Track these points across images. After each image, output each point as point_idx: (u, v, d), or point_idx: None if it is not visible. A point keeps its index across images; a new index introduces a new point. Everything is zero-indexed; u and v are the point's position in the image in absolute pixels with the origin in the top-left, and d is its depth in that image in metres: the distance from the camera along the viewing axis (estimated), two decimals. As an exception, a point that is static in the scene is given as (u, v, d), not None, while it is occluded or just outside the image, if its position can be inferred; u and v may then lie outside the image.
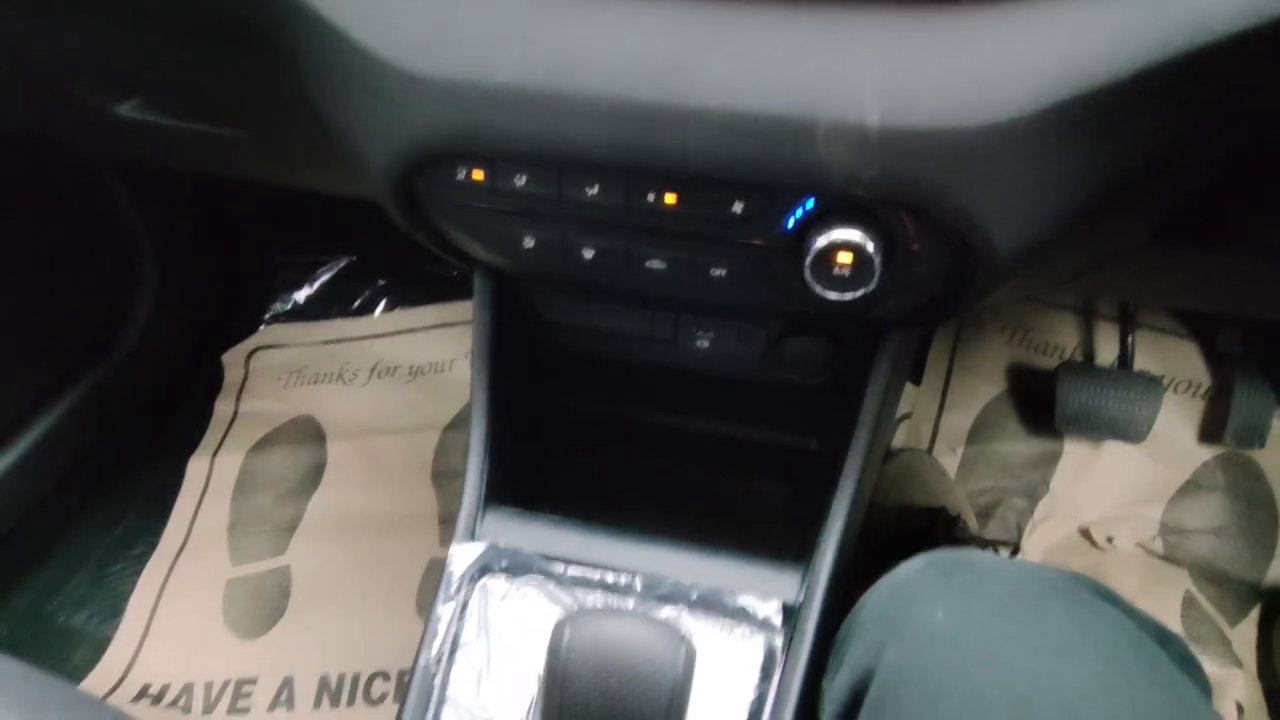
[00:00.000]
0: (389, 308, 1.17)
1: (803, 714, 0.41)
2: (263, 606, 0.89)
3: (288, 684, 0.83)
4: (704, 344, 0.52)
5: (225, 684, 0.84)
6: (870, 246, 0.37)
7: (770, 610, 0.44)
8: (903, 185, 0.35)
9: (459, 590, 0.45)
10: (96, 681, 0.85)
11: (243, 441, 1.05)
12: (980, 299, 0.42)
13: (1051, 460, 0.97)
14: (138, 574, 0.93)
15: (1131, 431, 0.91)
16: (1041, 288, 0.53)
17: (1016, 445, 0.99)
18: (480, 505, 0.50)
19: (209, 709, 0.82)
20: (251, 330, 1.16)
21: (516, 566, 0.46)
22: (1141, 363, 0.97)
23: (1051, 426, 0.96)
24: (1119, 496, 0.95)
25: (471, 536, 0.48)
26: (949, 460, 0.98)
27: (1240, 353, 0.96)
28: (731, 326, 0.51)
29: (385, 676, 0.83)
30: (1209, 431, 0.96)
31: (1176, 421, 0.97)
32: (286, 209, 1.19)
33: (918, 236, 0.38)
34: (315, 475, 1.01)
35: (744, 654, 0.42)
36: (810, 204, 0.38)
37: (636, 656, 0.25)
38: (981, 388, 1.02)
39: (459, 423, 1.05)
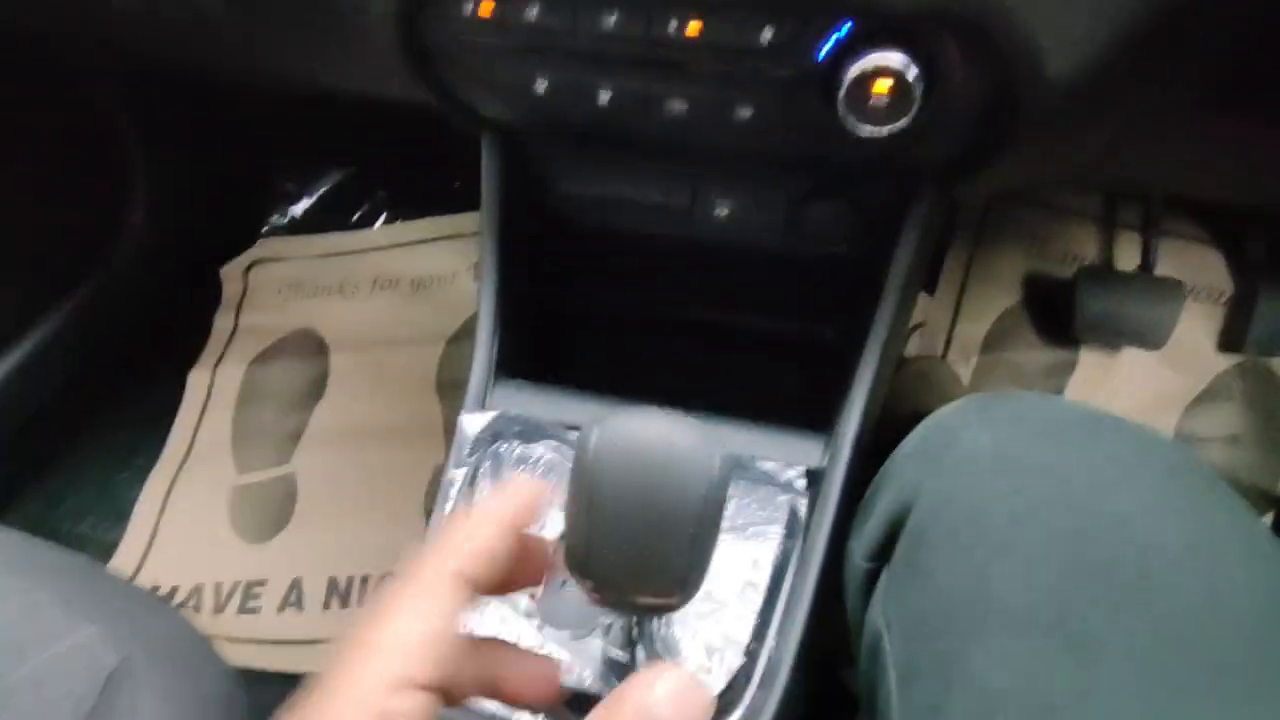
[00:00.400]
0: (389, 220, 1.14)
1: (826, 575, 0.40)
2: (269, 513, 0.89)
3: (296, 585, 0.83)
4: (722, 212, 0.50)
5: (235, 585, 0.84)
6: (911, 73, 0.35)
7: (794, 474, 0.42)
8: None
9: (471, 454, 0.44)
10: (105, 585, 0.85)
11: (244, 354, 1.03)
12: (1024, 140, 0.39)
13: (1067, 369, 0.96)
14: (142, 483, 0.93)
15: (1152, 337, 0.89)
16: (1079, 161, 0.50)
17: (1032, 354, 0.97)
18: (490, 375, 0.48)
19: (219, 609, 0.82)
20: (249, 243, 1.13)
21: (529, 432, 0.45)
22: (1163, 270, 0.95)
23: (1068, 336, 0.94)
24: (1134, 405, 0.93)
25: (482, 406, 0.47)
26: (963, 369, 0.96)
27: (1265, 259, 0.93)
28: (751, 192, 0.49)
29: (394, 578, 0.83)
30: (1229, 339, 0.94)
31: (1196, 329, 0.95)
32: (283, 119, 1.15)
33: (962, 63, 0.35)
34: (318, 387, 1.00)
35: (768, 513, 0.41)
36: (846, 28, 0.35)
37: (670, 454, 0.24)
38: (997, 297, 1.00)
39: (462, 335, 1.03)
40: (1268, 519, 0.88)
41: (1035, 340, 0.98)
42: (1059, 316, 0.93)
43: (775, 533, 0.40)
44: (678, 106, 0.40)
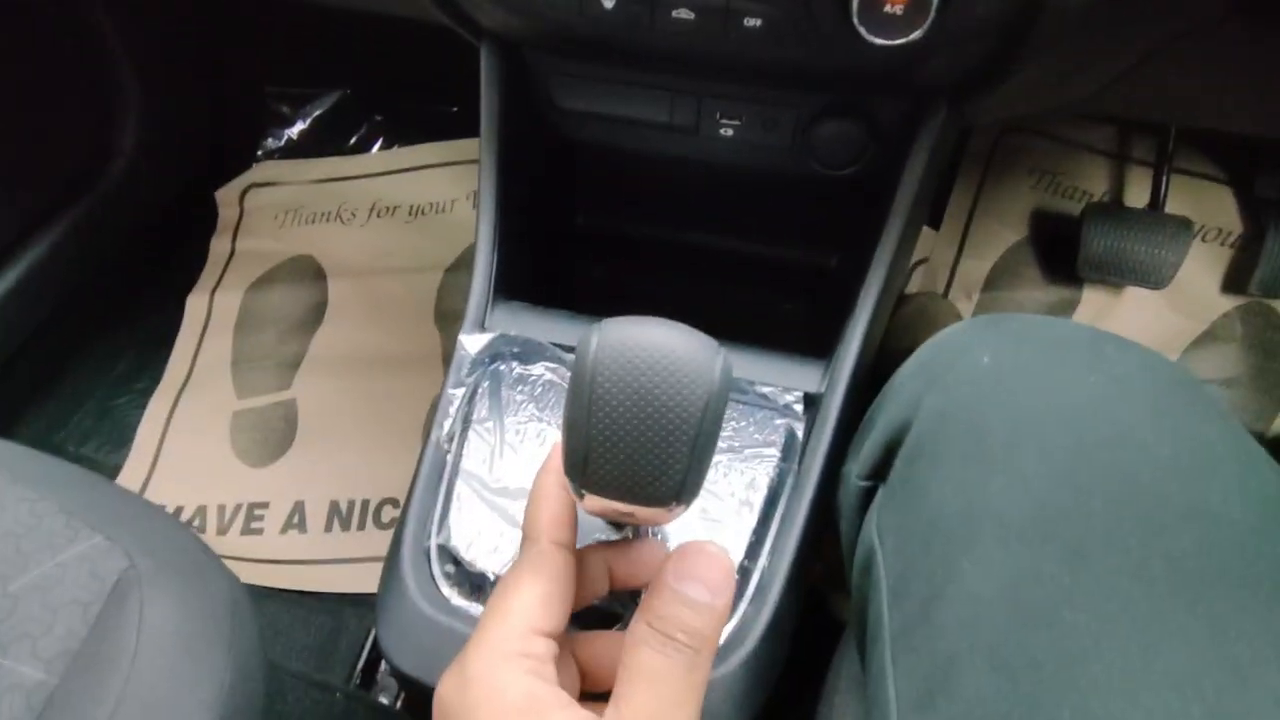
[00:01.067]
0: (386, 145, 1.12)
1: (822, 495, 0.40)
2: (270, 437, 0.89)
3: (299, 508, 0.84)
4: (728, 132, 0.48)
5: (238, 507, 0.85)
6: (927, -20, 0.33)
7: (792, 398, 0.42)
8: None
9: (470, 374, 0.44)
10: (110, 504, 0.86)
11: (242, 279, 1.03)
12: (1041, 53, 0.38)
13: (1069, 308, 0.95)
14: (143, 407, 0.93)
15: (1155, 277, 0.89)
16: (1098, 81, 0.49)
17: (1034, 293, 0.96)
18: (489, 297, 0.47)
19: (223, 530, 0.83)
20: (244, 167, 1.11)
21: (528, 353, 0.44)
22: (1173, 209, 0.94)
23: (1072, 275, 0.93)
24: (1134, 344, 0.93)
25: (480, 328, 0.47)
26: (964, 306, 0.96)
27: (1277, 198, 0.92)
28: (758, 110, 0.47)
29: (394, 503, 0.84)
30: (1234, 281, 0.93)
31: (1201, 270, 0.94)
32: (277, 38, 1.12)
33: (981, -32, 0.34)
34: (317, 313, 0.99)
35: (765, 435, 0.41)
36: (862, -70, 0.34)
37: (670, 360, 0.24)
38: (1003, 233, 0.99)
39: (461, 265, 1.02)
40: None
41: (1039, 278, 0.97)
42: (1065, 254, 0.92)
43: (772, 455, 0.40)
44: (684, 14, 0.38)
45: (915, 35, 0.34)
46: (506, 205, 0.49)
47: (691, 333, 0.25)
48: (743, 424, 0.41)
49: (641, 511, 0.26)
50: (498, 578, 0.37)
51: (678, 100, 0.48)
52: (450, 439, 0.42)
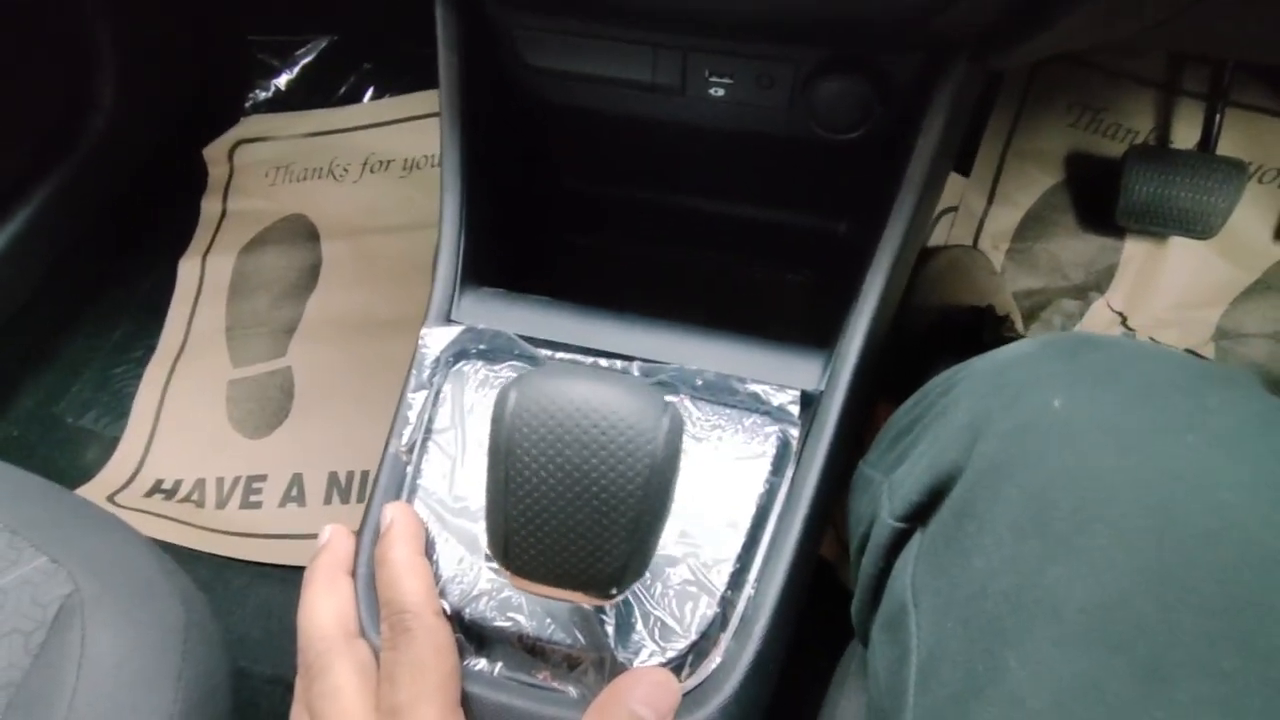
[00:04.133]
0: (377, 95, 1.06)
1: (817, 513, 0.36)
2: (267, 406, 0.87)
3: (297, 480, 0.82)
4: (718, 91, 0.43)
5: (236, 480, 0.83)
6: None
7: (786, 399, 0.38)
8: None
9: (432, 376, 0.40)
10: (110, 478, 0.85)
11: (234, 241, 0.99)
12: (1075, 3, 0.31)
13: (1110, 259, 0.88)
14: (139, 377, 0.91)
15: (1202, 225, 0.81)
16: (1147, 18, 0.42)
17: (1070, 242, 0.89)
18: (456, 284, 0.43)
19: (222, 504, 0.82)
20: (232, 120, 1.06)
21: (496, 351, 0.40)
22: (1226, 147, 0.85)
23: (1111, 223, 0.86)
24: (1178, 298, 0.87)
25: (446, 320, 0.42)
26: (994, 258, 0.89)
27: (1346, 133, 0.83)
28: (751, 67, 0.41)
29: (393, 475, 0.82)
30: (1291, 226, 0.85)
31: (1256, 215, 0.86)
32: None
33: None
34: (311, 276, 0.96)
35: (755, 444, 0.37)
36: None
37: (603, 423, 0.19)
38: (1038, 176, 0.91)
39: (460, 221, 0.97)
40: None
41: (1076, 226, 0.90)
42: (1105, 199, 0.85)
43: (761, 467, 0.36)
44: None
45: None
46: (473, 181, 0.44)
47: (632, 388, 0.20)
48: (730, 431, 0.37)
49: (578, 597, 0.22)
50: (456, 611, 0.33)
51: (661, 56, 0.42)
52: (410, 449, 0.39)
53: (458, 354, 0.41)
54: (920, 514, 0.28)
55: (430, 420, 0.39)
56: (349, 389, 0.87)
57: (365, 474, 0.83)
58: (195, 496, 0.83)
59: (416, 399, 0.40)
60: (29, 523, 0.40)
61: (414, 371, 0.40)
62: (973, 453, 0.27)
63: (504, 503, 0.20)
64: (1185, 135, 0.88)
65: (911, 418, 0.32)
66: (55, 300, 0.94)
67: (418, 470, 0.37)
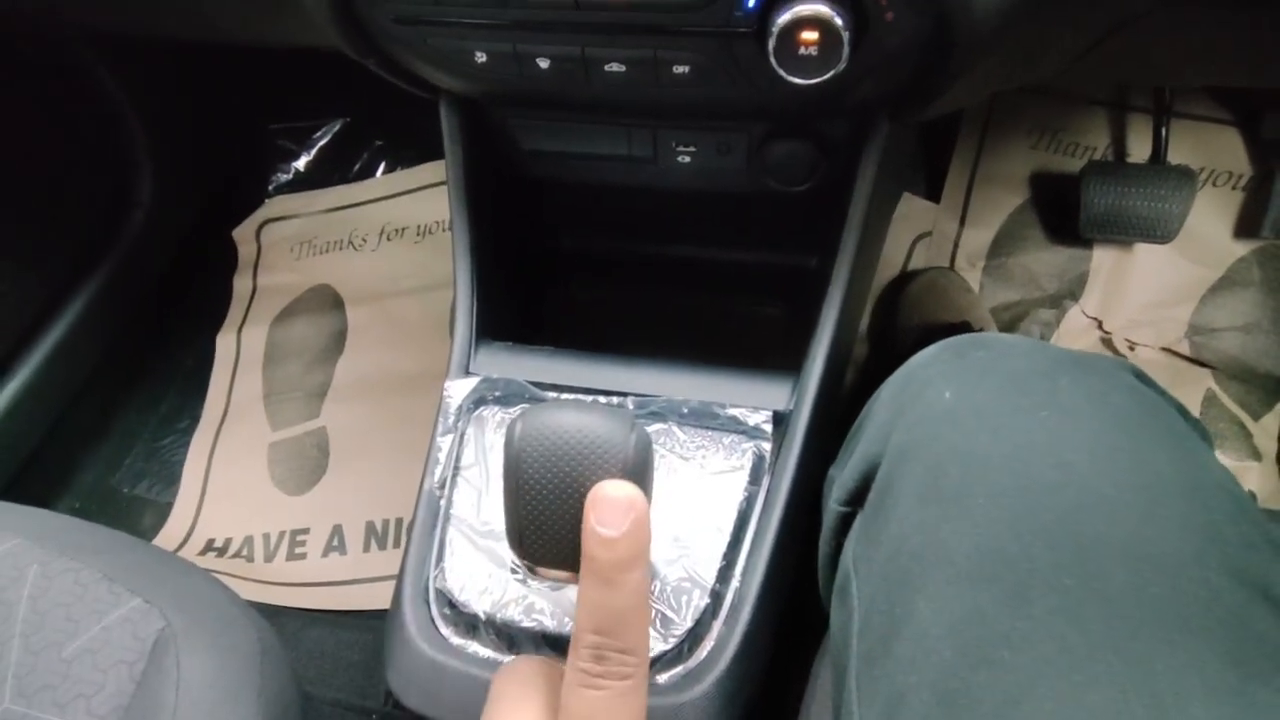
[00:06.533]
0: (389, 169, 1.15)
1: (790, 514, 0.42)
2: (305, 465, 0.94)
3: (337, 531, 0.89)
4: (685, 159, 0.50)
5: (281, 535, 0.90)
6: (838, 20, 0.34)
7: (760, 419, 0.44)
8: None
9: (456, 421, 0.47)
10: (165, 540, 0.92)
11: (265, 314, 1.07)
12: (962, 74, 0.38)
13: (1080, 268, 0.94)
14: (186, 445, 0.99)
15: (1161, 230, 0.87)
16: (1048, 69, 0.48)
17: (1041, 255, 0.95)
18: (472, 342, 0.50)
19: (270, 557, 0.89)
20: (257, 203, 1.15)
21: (509, 396, 0.47)
22: (1177, 156, 0.91)
23: (1078, 234, 0.92)
24: (1149, 299, 0.92)
25: (465, 372, 0.49)
26: (971, 276, 0.95)
27: (1285, 136, 0.89)
28: (711, 137, 0.48)
29: (425, 519, 0.88)
30: (1246, 225, 0.91)
31: (1212, 216, 0.92)
32: (273, 77, 1.15)
33: (890, 3, 0.34)
34: (338, 341, 1.03)
35: (734, 460, 0.43)
36: (770, -23, 0.35)
37: (586, 440, 0.26)
38: (1005, 198, 0.97)
39: (472, 279, 1.05)
40: (1282, 405, 0.87)
41: (1045, 240, 0.96)
42: (1070, 213, 0.91)
43: (740, 478, 0.42)
44: (615, 68, 0.40)
45: (831, 74, 0.35)
46: (482, 250, 0.51)
47: (607, 412, 0.27)
48: (712, 450, 0.43)
49: (576, 576, 0.28)
50: (489, 617, 0.40)
51: (634, 133, 0.50)
52: (441, 486, 0.45)
53: (477, 401, 0.47)
54: (858, 498, 0.35)
55: (458, 459, 0.45)
56: (379, 443, 0.94)
57: (400, 520, 0.89)
58: (245, 552, 0.90)
59: (444, 442, 0.46)
60: (123, 571, 0.47)
61: (440, 419, 0.47)
62: (888, 442, 0.33)
63: (516, 505, 0.27)
64: (1138, 148, 0.94)
65: (857, 423, 0.38)
66: (107, 381, 1.02)
67: (450, 502, 0.44)
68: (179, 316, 1.09)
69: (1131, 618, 0.26)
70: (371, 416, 0.96)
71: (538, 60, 0.40)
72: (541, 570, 0.29)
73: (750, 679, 0.38)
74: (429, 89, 0.49)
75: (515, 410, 0.46)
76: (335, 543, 0.89)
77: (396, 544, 0.88)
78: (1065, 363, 0.33)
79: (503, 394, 0.47)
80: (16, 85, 0.87)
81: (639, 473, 0.26)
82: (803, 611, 0.43)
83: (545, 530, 0.27)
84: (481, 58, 0.41)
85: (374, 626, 0.82)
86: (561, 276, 0.64)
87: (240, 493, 0.94)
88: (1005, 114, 1.00)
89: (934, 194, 0.98)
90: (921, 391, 0.33)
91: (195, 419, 1.01)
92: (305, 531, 0.90)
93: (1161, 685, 0.25)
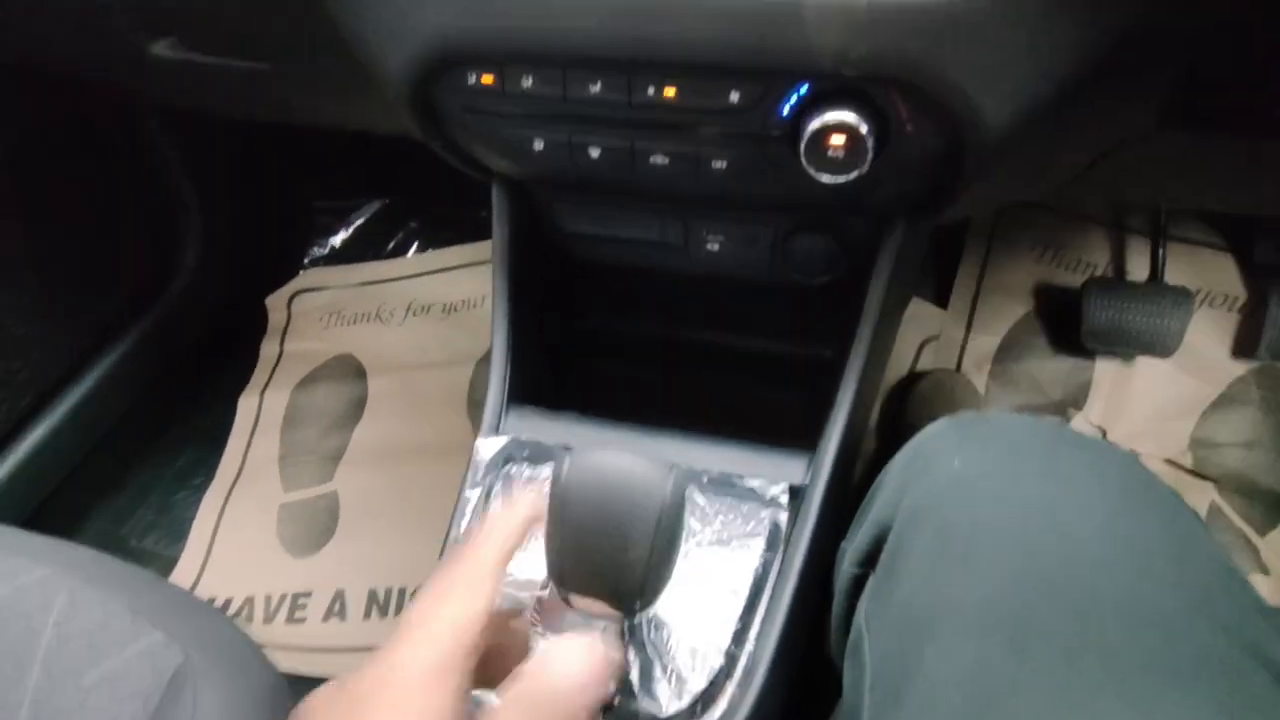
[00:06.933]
0: (421, 249, 1.20)
1: (805, 582, 0.44)
2: (313, 528, 0.95)
3: (339, 596, 0.89)
4: (714, 247, 0.54)
5: (283, 597, 0.90)
6: (863, 128, 0.38)
7: (778, 490, 0.46)
8: (891, 61, 0.36)
9: (485, 476, 0.49)
10: (167, 597, 0.92)
11: (288, 379, 1.10)
12: (976, 180, 0.42)
13: (1083, 377, 0.97)
14: (198, 502, 1.00)
15: (1160, 346, 0.91)
16: (1053, 182, 0.53)
17: (1046, 363, 0.99)
18: (504, 403, 0.52)
19: (269, 619, 0.88)
20: (292, 274, 1.20)
21: (538, 455, 0.49)
22: (1174, 277, 0.96)
23: (1082, 344, 0.95)
24: (1151, 411, 0.94)
25: (496, 432, 0.52)
26: (978, 379, 0.98)
27: (1276, 263, 0.94)
28: (739, 228, 0.53)
29: (429, 589, 0.88)
30: (1243, 346, 0.94)
31: (1210, 336, 0.95)
32: (321, 156, 1.23)
33: (910, 117, 0.39)
34: (357, 409, 1.06)
35: (751, 527, 0.45)
36: (804, 89, 0.39)
37: (627, 481, 0.28)
38: (1010, 307, 1.02)
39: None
40: (1286, 523, 0.88)
41: (1049, 350, 0.99)
42: (1072, 324, 0.95)
43: (757, 545, 0.44)
44: (660, 160, 0.44)
45: (856, 174, 0.39)
46: (518, 320, 0.55)
47: (647, 459, 0.29)
48: (730, 516, 0.45)
49: (610, 607, 0.30)
50: None
51: (667, 221, 0.54)
52: (466, 535, 0.47)
53: (506, 459, 0.50)
54: (870, 560, 0.36)
55: (485, 512, 0.47)
56: (390, 511, 0.95)
57: (403, 590, 0.89)
58: (245, 612, 0.90)
59: (472, 495, 0.48)
60: (148, 605, 0.48)
61: (470, 473, 0.49)
62: (899, 506, 0.35)
63: (558, 536, 0.29)
64: (1137, 267, 0.99)
65: (869, 494, 0.40)
66: (130, 433, 1.04)
67: (474, 555, 0.45)
68: (206, 377, 1.12)
69: (1129, 665, 0.28)
70: (383, 484, 0.98)
71: (590, 150, 0.45)
72: (576, 601, 0.30)
73: (762, 744, 0.39)
74: (483, 171, 0.53)
75: (544, 468, 0.48)
76: (336, 608, 0.88)
77: (398, 613, 0.87)
78: (1065, 436, 0.36)
79: (531, 454, 0.49)
80: (83, 147, 0.94)
81: (673, 515, 0.28)
82: (813, 681, 0.43)
83: (584, 563, 0.28)
84: (539, 145, 0.45)
85: None
86: (590, 352, 0.67)
87: (246, 552, 0.94)
88: (1010, 228, 1.05)
89: (941, 301, 1.03)
90: (931, 461, 0.36)
91: (210, 477, 1.02)
92: (307, 595, 0.90)
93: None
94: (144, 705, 0.43)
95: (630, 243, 0.55)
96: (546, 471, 0.48)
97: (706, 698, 0.39)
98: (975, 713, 0.28)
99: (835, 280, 0.53)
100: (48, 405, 0.93)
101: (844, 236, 0.51)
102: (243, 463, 1.03)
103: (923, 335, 1.00)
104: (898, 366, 0.97)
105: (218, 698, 0.43)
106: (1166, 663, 0.28)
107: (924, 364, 1.00)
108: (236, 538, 0.96)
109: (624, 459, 0.29)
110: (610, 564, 0.28)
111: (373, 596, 0.88)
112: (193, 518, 0.98)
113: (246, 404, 1.08)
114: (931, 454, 0.36)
